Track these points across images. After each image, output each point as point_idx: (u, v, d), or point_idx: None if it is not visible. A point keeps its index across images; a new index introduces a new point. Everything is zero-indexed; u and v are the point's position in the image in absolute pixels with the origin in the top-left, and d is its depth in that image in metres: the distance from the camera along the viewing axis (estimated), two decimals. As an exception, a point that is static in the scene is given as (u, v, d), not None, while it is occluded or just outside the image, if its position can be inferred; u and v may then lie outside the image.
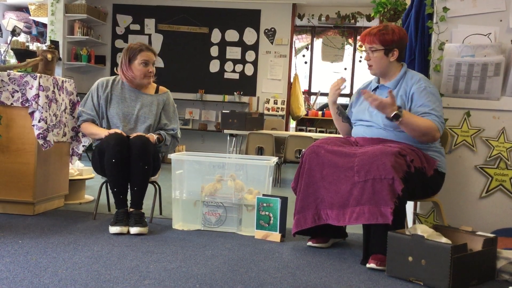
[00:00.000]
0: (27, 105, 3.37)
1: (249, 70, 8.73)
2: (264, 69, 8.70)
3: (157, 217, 3.59)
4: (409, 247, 2.40)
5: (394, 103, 2.64)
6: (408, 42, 3.27)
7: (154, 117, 3.44)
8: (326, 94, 9.87)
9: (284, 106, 8.66)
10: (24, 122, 3.39)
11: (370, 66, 2.95)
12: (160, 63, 8.77)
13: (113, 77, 3.53)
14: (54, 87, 3.51)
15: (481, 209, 3.17)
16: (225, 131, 6.55)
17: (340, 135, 3.23)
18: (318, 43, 9.65)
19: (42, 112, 3.33)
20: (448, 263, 2.25)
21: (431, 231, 2.55)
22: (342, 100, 10.12)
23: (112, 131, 3.23)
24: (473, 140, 3.17)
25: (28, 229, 3.06)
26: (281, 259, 2.69)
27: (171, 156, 3.37)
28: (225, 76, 8.77)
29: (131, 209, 3.17)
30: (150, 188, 3.48)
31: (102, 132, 3.28)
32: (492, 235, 2.56)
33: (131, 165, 3.14)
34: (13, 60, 4.29)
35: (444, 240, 2.45)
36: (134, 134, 3.26)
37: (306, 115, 9.24)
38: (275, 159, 3.46)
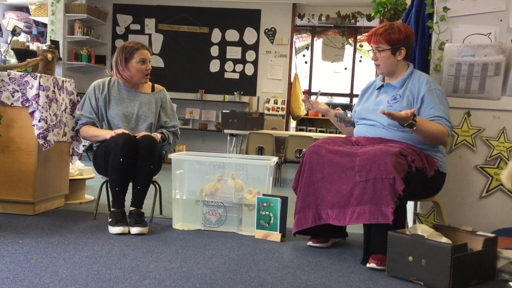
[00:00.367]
0: (27, 105, 3.37)
1: (249, 70, 8.73)
2: (264, 69, 8.70)
3: (157, 217, 3.59)
4: (409, 247, 2.40)
5: (407, 117, 2.60)
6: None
7: (154, 116, 3.45)
8: (326, 94, 9.89)
9: (284, 106, 8.66)
10: (25, 122, 3.39)
11: (377, 66, 2.94)
12: (160, 63, 8.78)
13: (108, 78, 3.51)
14: (54, 87, 3.51)
15: (481, 209, 3.17)
16: (225, 131, 6.55)
17: (341, 135, 3.22)
18: (318, 43, 9.65)
19: (42, 112, 3.33)
20: (448, 263, 2.25)
21: (431, 231, 2.55)
22: (342, 100, 10.13)
23: (119, 131, 3.22)
24: (473, 140, 3.17)
25: (28, 229, 3.07)
26: (281, 259, 2.69)
27: (172, 156, 3.37)
28: (225, 76, 8.77)
29: (132, 208, 3.17)
30: (150, 187, 3.48)
31: (106, 133, 3.27)
32: (492, 235, 2.57)
33: (137, 164, 3.14)
34: (13, 60, 4.29)
35: (444, 240, 2.46)
36: (141, 134, 3.26)
37: (306, 115, 9.24)
38: (275, 159, 3.46)
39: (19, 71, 3.47)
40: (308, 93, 9.64)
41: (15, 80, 3.38)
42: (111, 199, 3.26)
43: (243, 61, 8.73)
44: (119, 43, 8.87)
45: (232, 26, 8.73)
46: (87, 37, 8.30)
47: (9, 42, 4.59)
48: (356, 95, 8.83)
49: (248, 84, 8.73)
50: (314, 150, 2.84)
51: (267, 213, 3.16)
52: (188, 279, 2.26)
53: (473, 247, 2.50)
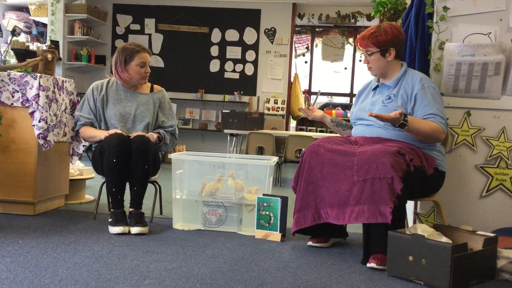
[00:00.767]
0: (27, 105, 3.37)
1: (249, 69, 8.73)
2: (264, 68, 8.70)
3: (157, 217, 3.59)
4: (409, 247, 2.40)
5: (397, 118, 2.63)
6: (408, 41, 3.28)
7: (152, 116, 3.44)
8: (326, 94, 9.89)
9: (284, 106, 8.66)
10: (25, 122, 3.39)
11: (369, 68, 2.97)
12: (160, 63, 8.78)
13: (107, 79, 3.52)
14: (54, 87, 3.51)
15: (482, 209, 3.17)
16: (225, 130, 6.55)
17: (350, 130, 3.23)
18: (318, 42, 9.65)
19: (42, 112, 3.33)
20: (448, 262, 2.25)
21: (432, 230, 2.55)
22: (341, 100, 10.13)
23: (112, 131, 3.23)
24: (474, 139, 3.17)
25: (28, 229, 3.07)
26: (281, 259, 2.69)
27: (172, 156, 3.37)
28: (225, 76, 8.77)
29: (131, 209, 3.17)
30: (150, 188, 3.48)
31: (101, 134, 3.28)
32: (492, 235, 2.56)
33: (131, 165, 3.14)
34: (13, 60, 4.29)
35: (444, 239, 2.46)
36: (134, 134, 3.26)
37: (306, 114, 9.22)
38: (275, 159, 3.46)
39: (19, 71, 3.47)
40: (308, 92, 9.63)
41: (15, 80, 3.38)
42: (110, 199, 3.26)
43: (243, 61, 8.73)
44: (119, 43, 8.90)
45: (232, 26, 8.73)
46: (87, 37, 8.30)
47: (9, 42, 4.58)
48: (356, 95, 8.81)
49: (248, 84, 8.74)
50: (313, 149, 2.84)
51: (267, 213, 3.16)
52: (188, 279, 2.26)
53: (473, 247, 2.50)
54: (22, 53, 4.36)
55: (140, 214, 3.15)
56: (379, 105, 2.87)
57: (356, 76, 9.51)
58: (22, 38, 7.50)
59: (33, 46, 7.15)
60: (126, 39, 8.88)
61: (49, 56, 3.56)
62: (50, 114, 3.42)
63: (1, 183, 3.43)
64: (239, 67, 8.74)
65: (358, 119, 3.00)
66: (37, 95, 3.34)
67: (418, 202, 3.28)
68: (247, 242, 3.02)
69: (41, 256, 2.51)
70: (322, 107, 9.72)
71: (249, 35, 8.72)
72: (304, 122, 9.47)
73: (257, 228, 3.18)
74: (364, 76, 9.13)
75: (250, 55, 8.71)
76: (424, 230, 2.52)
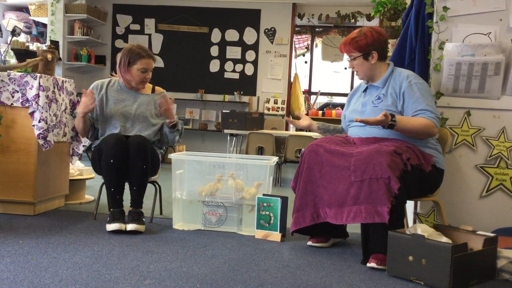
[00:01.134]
0: (27, 105, 3.37)
1: (249, 69, 8.73)
2: (264, 68, 8.70)
3: (157, 217, 3.59)
4: (409, 247, 2.40)
5: (384, 120, 2.67)
6: (408, 41, 3.28)
7: (152, 116, 3.43)
8: (326, 94, 9.89)
9: (284, 106, 8.66)
10: (25, 122, 3.39)
11: (356, 73, 3.00)
12: (160, 63, 8.78)
13: (108, 79, 3.53)
14: (54, 87, 3.51)
15: (482, 209, 3.17)
16: (225, 131, 6.55)
17: (339, 134, 3.23)
18: (318, 42, 9.65)
19: (42, 112, 3.33)
20: (448, 262, 2.25)
21: (432, 230, 2.55)
22: (341, 100, 10.13)
23: (87, 95, 3.20)
24: (474, 139, 3.17)
25: (28, 229, 3.07)
26: (281, 259, 2.69)
27: (172, 156, 3.37)
28: (225, 76, 8.77)
29: (130, 208, 3.17)
30: (151, 188, 3.48)
31: (78, 111, 3.27)
32: (492, 235, 2.56)
33: (129, 165, 3.14)
34: (13, 60, 4.29)
35: (444, 239, 2.46)
36: (133, 134, 3.26)
37: (306, 114, 9.23)
38: (275, 159, 3.46)
39: (19, 72, 3.47)
40: (308, 92, 9.64)
41: (15, 81, 3.38)
42: (109, 199, 3.26)
43: (243, 61, 8.73)
44: (119, 43, 8.91)
45: (232, 26, 8.73)
46: (87, 37, 8.30)
47: (9, 42, 4.58)
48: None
49: (248, 84, 8.74)
50: (313, 149, 2.85)
51: (267, 213, 3.16)
52: (188, 279, 2.26)
53: (473, 247, 2.50)
54: (22, 53, 4.36)
55: (138, 213, 3.15)
56: (370, 106, 2.89)
57: (356, 76, 9.49)
58: (22, 38, 7.50)
59: (33, 46, 7.15)
60: (126, 39, 8.89)
61: (49, 56, 3.56)
62: (50, 114, 3.42)
63: (1, 183, 3.43)
64: (239, 67, 8.74)
65: (351, 121, 3.00)
66: (37, 95, 3.34)
67: (418, 202, 3.28)
68: (247, 242, 3.02)
69: (41, 256, 2.51)
70: (322, 107, 9.72)
71: (249, 35, 8.72)
72: (304, 122, 9.45)
73: (257, 228, 3.18)
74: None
75: (250, 55, 8.71)
76: (424, 230, 2.52)
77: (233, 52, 8.74)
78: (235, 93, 8.66)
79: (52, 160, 3.62)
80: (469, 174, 3.18)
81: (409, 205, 3.43)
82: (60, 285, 2.10)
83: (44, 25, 8.37)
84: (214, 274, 2.36)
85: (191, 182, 3.38)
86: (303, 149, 2.99)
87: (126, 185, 3.23)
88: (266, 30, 8.69)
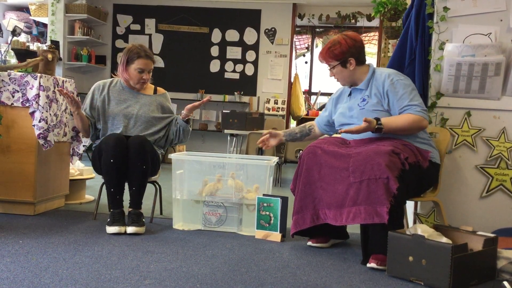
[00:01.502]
0: (27, 105, 3.37)
1: (249, 70, 8.73)
2: (264, 69, 8.71)
3: (157, 217, 3.59)
4: (409, 247, 2.40)
5: (370, 125, 2.70)
6: (408, 41, 3.28)
7: (153, 117, 3.43)
8: (326, 94, 9.88)
9: (285, 106, 8.66)
10: (25, 122, 3.39)
11: (337, 80, 3.03)
12: (160, 63, 8.78)
13: (110, 79, 3.53)
14: (54, 87, 3.51)
15: (482, 209, 3.17)
16: (226, 131, 6.55)
17: (338, 135, 3.24)
18: (318, 43, 9.64)
19: (42, 112, 3.33)
20: (448, 263, 2.25)
21: (432, 231, 2.55)
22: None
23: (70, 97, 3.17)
24: (474, 140, 3.17)
25: (28, 229, 3.07)
26: (281, 259, 2.69)
27: (172, 156, 3.37)
28: (225, 76, 8.77)
29: (130, 209, 3.17)
30: (151, 188, 3.48)
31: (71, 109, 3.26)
32: (492, 235, 2.56)
33: (129, 165, 3.14)
34: (13, 60, 4.29)
35: (444, 240, 2.46)
36: (134, 135, 3.26)
37: (307, 115, 9.24)
38: (275, 159, 3.46)
39: (20, 71, 3.47)
40: (308, 93, 9.64)
41: (15, 80, 3.38)
42: (109, 199, 3.26)
43: (243, 61, 8.74)
44: (119, 43, 8.92)
45: (232, 26, 8.73)
46: (87, 37, 8.30)
47: (9, 42, 4.58)
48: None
49: (248, 84, 8.74)
50: (311, 150, 2.85)
51: (267, 213, 3.16)
52: (189, 279, 2.26)
53: (474, 247, 2.50)
54: (23, 53, 4.36)
55: (138, 214, 3.15)
56: (357, 109, 2.90)
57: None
58: (23, 38, 7.49)
59: (34, 46, 7.14)
60: (127, 39, 8.89)
61: (50, 56, 3.56)
62: (50, 114, 3.42)
63: (1, 183, 3.43)
64: (239, 67, 8.74)
65: (341, 125, 3.01)
66: (37, 95, 3.34)
67: (418, 203, 3.28)
68: (247, 242, 3.02)
69: (41, 256, 2.51)
70: (322, 107, 9.72)
71: (249, 35, 8.72)
72: (304, 123, 9.46)
73: (257, 228, 3.18)
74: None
75: (250, 55, 8.71)
76: (424, 230, 2.52)
77: (234, 52, 8.74)
78: (235, 93, 8.66)
79: (52, 160, 3.62)
80: (469, 175, 3.18)
81: (409, 205, 3.43)
82: (60, 285, 2.10)
83: (45, 25, 8.37)
84: (214, 274, 2.36)
85: (191, 182, 3.38)
86: (301, 151, 3.00)
87: (126, 186, 3.23)
88: (267, 30, 8.69)
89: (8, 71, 3.43)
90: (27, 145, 3.41)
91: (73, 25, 8.18)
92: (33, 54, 3.96)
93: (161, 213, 3.73)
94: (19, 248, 2.64)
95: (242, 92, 8.68)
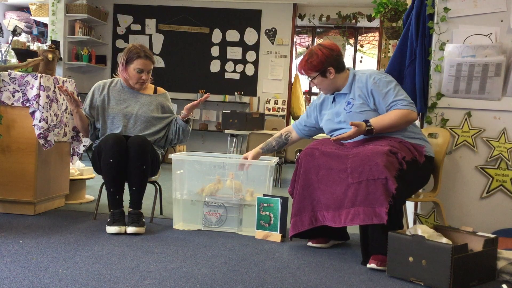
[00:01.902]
0: (28, 105, 3.37)
1: (249, 70, 8.74)
2: (264, 69, 8.71)
3: (157, 217, 3.59)
4: (409, 248, 2.39)
5: (359, 129, 2.72)
6: (408, 42, 3.29)
7: (153, 117, 3.43)
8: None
9: (285, 106, 8.67)
10: (25, 122, 3.39)
11: (320, 90, 3.05)
12: (160, 63, 8.78)
13: (111, 79, 3.53)
14: (55, 87, 3.51)
15: (482, 210, 3.17)
16: (226, 131, 6.55)
17: (286, 146, 3.36)
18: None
19: (43, 112, 3.33)
20: (448, 263, 2.25)
21: (432, 231, 2.55)
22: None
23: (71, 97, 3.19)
24: (474, 140, 3.17)
25: (28, 229, 3.07)
26: (281, 259, 2.69)
27: (172, 156, 3.37)
28: (225, 76, 8.77)
29: (130, 209, 3.17)
30: (151, 188, 3.48)
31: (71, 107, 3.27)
32: (492, 236, 2.56)
33: (129, 165, 3.14)
34: (14, 60, 4.29)
35: (444, 240, 2.45)
36: (134, 135, 3.26)
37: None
38: (275, 159, 3.46)
39: (20, 71, 3.47)
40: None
41: (15, 80, 3.39)
42: (109, 199, 3.26)
43: (243, 61, 8.74)
44: (120, 43, 8.92)
45: (232, 26, 8.73)
46: (88, 37, 8.30)
47: (9, 42, 4.58)
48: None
49: (248, 85, 8.74)
50: (308, 152, 2.85)
51: (267, 213, 3.16)
52: (188, 279, 2.26)
53: (474, 248, 2.50)
54: (23, 53, 4.36)
55: (138, 214, 3.15)
56: (344, 113, 2.91)
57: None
58: (23, 38, 7.51)
59: (34, 46, 7.15)
60: (127, 40, 8.89)
61: (50, 56, 3.56)
62: (50, 114, 3.42)
63: (1, 183, 3.43)
64: (239, 67, 8.75)
65: (332, 131, 3.01)
66: (38, 95, 3.34)
67: (419, 203, 3.28)
68: (247, 243, 3.02)
69: (41, 256, 2.51)
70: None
71: (250, 36, 8.72)
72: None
73: (257, 229, 3.18)
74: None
75: (251, 56, 8.71)
76: (424, 231, 2.52)
77: (234, 52, 8.74)
78: (235, 93, 8.66)
79: (52, 160, 3.62)
80: (469, 175, 3.18)
81: (409, 206, 3.43)
82: (60, 285, 2.10)
83: (45, 25, 8.37)
84: (214, 274, 2.36)
85: (191, 182, 3.38)
86: (297, 154, 3.01)
87: (126, 186, 3.23)
88: (267, 31, 8.70)
89: (9, 71, 3.44)
90: (27, 145, 3.41)
91: (74, 25, 8.18)
92: (33, 54, 3.96)
93: (161, 213, 3.73)
94: (19, 248, 2.64)
95: (242, 92, 8.68)
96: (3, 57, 4.14)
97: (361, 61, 9.51)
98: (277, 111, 8.64)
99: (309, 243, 3.01)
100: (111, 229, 3.05)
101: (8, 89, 3.39)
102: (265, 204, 3.17)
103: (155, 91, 3.56)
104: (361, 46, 9.50)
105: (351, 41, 9.47)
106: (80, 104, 3.29)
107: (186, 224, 3.35)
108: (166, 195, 4.07)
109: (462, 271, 2.30)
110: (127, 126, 3.37)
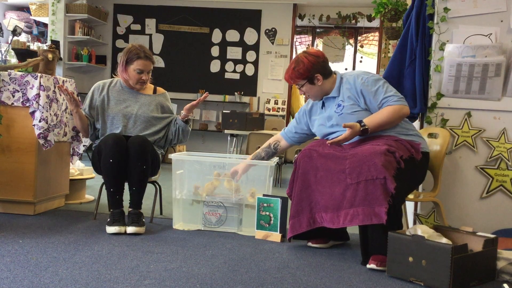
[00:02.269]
0: (28, 104, 3.37)
1: (249, 70, 8.74)
2: (264, 69, 8.71)
3: (157, 217, 3.59)
4: (409, 248, 2.40)
5: (354, 130, 2.72)
6: (409, 42, 3.29)
7: (153, 117, 3.43)
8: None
9: (285, 106, 8.67)
10: (25, 122, 3.39)
11: (308, 97, 3.05)
12: (160, 63, 8.78)
13: (110, 79, 3.53)
14: (54, 87, 3.51)
15: (482, 210, 3.17)
16: (226, 131, 6.55)
17: (277, 155, 3.35)
18: (318, 43, 9.65)
19: (42, 112, 3.33)
20: (448, 263, 2.25)
21: (432, 231, 2.55)
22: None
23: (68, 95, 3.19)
24: (474, 140, 3.17)
25: (28, 229, 3.07)
26: (281, 259, 2.69)
27: (172, 156, 3.37)
28: (225, 76, 8.77)
29: (130, 209, 3.17)
30: (151, 188, 3.48)
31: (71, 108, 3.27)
32: (492, 236, 2.56)
33: (129, 165, 3.14)
34: (14, 60, 4.29)
35: (444, 240, 2.45)
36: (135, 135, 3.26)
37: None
38: (275, 159, 3.46)
39: (20, 71, 3.47)
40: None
41: (15, 80, 3.38)
42: (109, 199, 3.26)
43: (243, 61, 8.74)
44: (120, 43, 8.92)
45: (232, 26, 8.73)
46: (88, 37, 8.30)
47: (9, 42, 4.58)
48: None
49: (248, 85, 8.74)
50: (306, 154, 2.85)
51: (267, 213, 3.16)
52: (188, 279, 2.26)
53: (474, 248, 2.50)
54: (23, 53, 4.36)
55: (138, 214, 3.15)
56: (335, 116, 2.91)
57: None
58: (23, 38, 7.51)
59: (34, 46, 7.16)
60: (127, 39, 8.89)
61: (50, 56, 3.56)
62: (50, 114, 3.42)
63: (1, 182, 3.43)
64: (239, 67, 8.75)
65: (327, 135, 3.01)
66: (38, 95, 3.34)
67: (418, 203, 3.28)
68: (247, 243, 3.02)
69: (41, 255, 2.51)
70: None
71: (250, 36, 8.72)
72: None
73: (257, 229, 3.18)
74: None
75: (251, 56, 8.72)
76: (424, 231, 2.52)
77: (234, 52, 8.74)
78: (235, 93, 8.66)
79: (52, 160, 3.62)
80: (469, 175, 3.18)
81: (409, 206, 3.43)
82: (60, 285, 2.10)
83: (45, 25, 8.37)
84: (214, 274, 2.36)
85: (191, 182, 3.38)
86: (295, 156, 3.01)
87: (126, 186, 3.23)
88: (267, 31, 8.70)
89: (9, 70, 3.43)
90: (27, 145, 3.41)
91: (74, 25, 8.18)
92: (33, 54, 3.97)
93: (161, 213, 3.73)
94: (19, 247, 2.64)
95: (242, 92, 8.68)
96: (3, 57, 4.14)
97: (361, 61, 9.51)
98: (277, 111, 8.64)
99: (309, 244, 3.00)
100: (111, 229, 3.05)
101: (8, 89, 3.38)
102: (265, 204, 3.17)
103: (154, 91, 3.56)
104: (361, 46, 9.50)
105: (351, 41, 9.48)
106: (80, 104, 3.29)
107: (186, 224, 3.35)
108: (166, 195, 4.07)
109: (462, 271, 2.30)
110: (127, 126, 3.37)
